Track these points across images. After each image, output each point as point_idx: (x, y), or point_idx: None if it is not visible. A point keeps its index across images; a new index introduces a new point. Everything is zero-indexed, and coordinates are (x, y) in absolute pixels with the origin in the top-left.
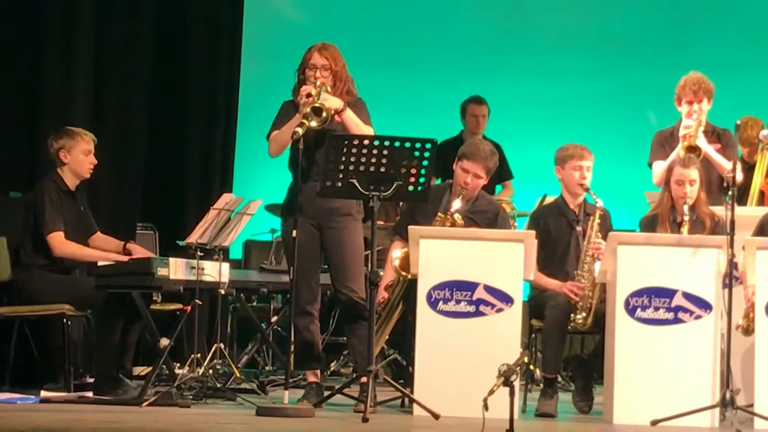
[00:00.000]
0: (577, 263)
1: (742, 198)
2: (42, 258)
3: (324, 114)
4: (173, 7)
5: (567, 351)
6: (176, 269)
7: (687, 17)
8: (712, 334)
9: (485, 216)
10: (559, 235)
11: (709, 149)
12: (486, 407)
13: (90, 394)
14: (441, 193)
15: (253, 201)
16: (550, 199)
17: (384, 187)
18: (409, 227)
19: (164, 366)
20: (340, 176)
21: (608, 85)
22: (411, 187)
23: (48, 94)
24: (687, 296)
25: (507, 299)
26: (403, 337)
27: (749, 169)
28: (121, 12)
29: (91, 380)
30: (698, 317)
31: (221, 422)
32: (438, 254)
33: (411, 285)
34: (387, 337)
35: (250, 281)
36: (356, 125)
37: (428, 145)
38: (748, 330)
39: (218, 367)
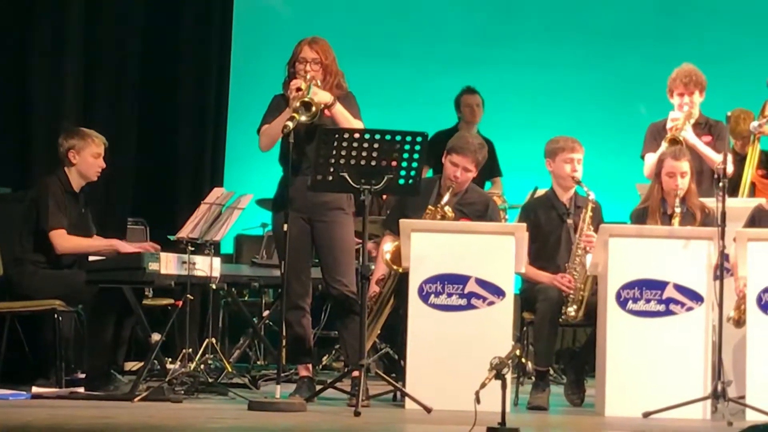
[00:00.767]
0: (568, 256)
1: (733, 190)
2: (40, 255)
3: (313, 108)
4: (163, 3)
5: (559, 344)
6: (167, 264)
7: (678, 8)
8: (704, 326)
9: (475, 208)
10: (549, 228)
11: (697, 141)
12: (478, 400)
13: (81, 389)
14: (431, 187)
15: (243, 195)
16: (540, 192)
17: (375, 181)
18: (401, 220)
19: (156, 361)
20: (331, 170)
21: (599, 77)
22: (402, 181)
23: (38, 88)
24: (678, 288)
25: (498, 292)
26: (395, 331)
27: (741, 160)
28: (112, 7)
29: (83, 376)
30: (689, 309)
31: (213, 417)
32: (429, 247)
33: (402, 279)
34: (379, 331)
35: (241, 276)
36: (346, 119)
37: (419, 139)
38: (740, 322)
39: (210, 362)
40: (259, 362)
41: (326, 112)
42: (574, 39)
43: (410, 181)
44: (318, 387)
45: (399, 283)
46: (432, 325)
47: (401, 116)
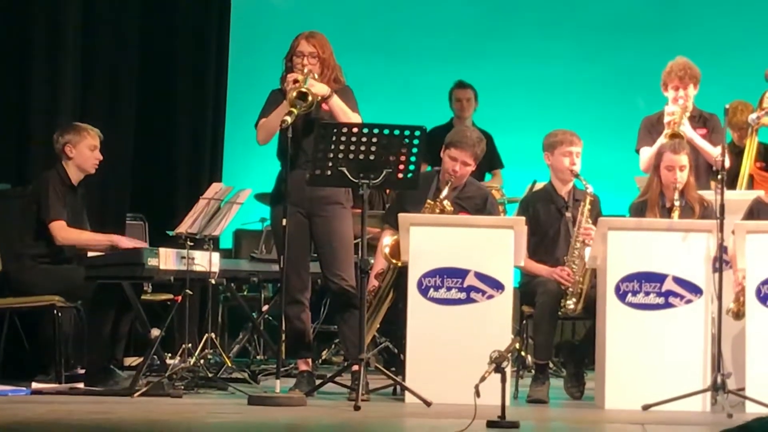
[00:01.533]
0: (567, 249)
1: (731, 182)
2: (40, 248)
3: (310, 98)
4: None
5: (558, 337)
6: (166, 259)
7: (675, 1)
8: (703, 319)
9: (474, 202)
10: (548, 222)
11: (694, 136)
12: (478, 394)
13: (81, 385)
14: (429, 181)
15: (242, 190)
16: (539, 186)
17: (373, 175)
18: (400, 214)
19: (155, 356)
20: (330, 164)
21: (597, 70)
22: (400, 175)
23: (36, 84)
24: (677, 281)
25: (498, 286)
26: (394, 325)
27: (739, 153)
28: (109, 2)
29: (82, 371)
30: (689, 302)
31: (213, 412)
32: (428, 241)
33: (401, 273)
34: (378, 325)
35: (240, 270)
36: (343, 112)
37: (417, 133)
38: (739, 314)
39: (209, 357)
40: (258, 357)
41: (324, 105)
42: (572, 32)
43: (409, 175)
44: (318, 381)
45: (398, 277)
46: (431, 319)
47: (398, 111)
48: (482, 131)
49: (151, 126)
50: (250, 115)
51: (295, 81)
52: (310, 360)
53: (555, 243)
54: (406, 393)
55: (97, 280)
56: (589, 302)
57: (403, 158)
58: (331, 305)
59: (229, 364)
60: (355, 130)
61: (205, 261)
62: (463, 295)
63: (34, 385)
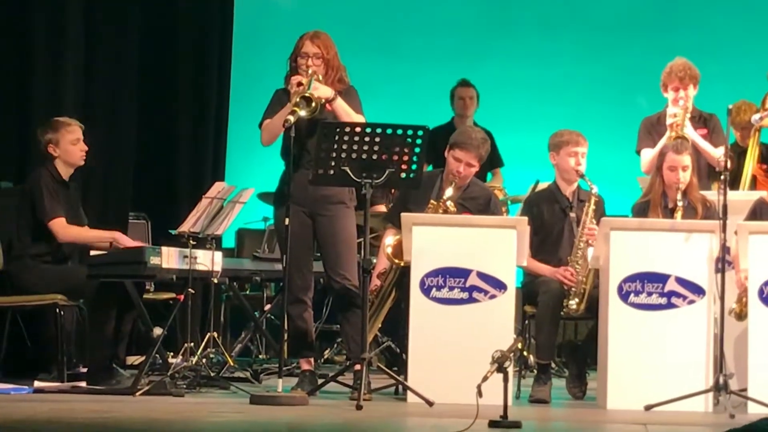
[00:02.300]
0: (570, 249)
1: (734, 183)
2: (39, 247)
3: (314, 103)
4: None
5: (560, 337)
6: (169, 258)
7: (676, 1)
8: (705, 319)
9: (477, 202)
10: (552, 222)
11: (697, 137)
12: (480, 394)
13: (83, 384)
14: (432, 181)
15: (245, 189)
16: (542, 185)
17: (376, 175)
18: (402, 214)
19: (157, 355)
20: (332, 164)
21: (598, 69)
22: (403, 174)
23: (38, 83)
24: (680, 281)
25: (500, 286)
26: (397, 325)
27: (741, 153)
28: (111, 2)
29: (84, 370)
30: (691, 302)
31: (215, 411)
32: (431, 241)
33: (404, 272)
34: (380, 325)
35: (243, 270)
36: (347, 114)
37: (420, 132)
38: (741, 315)
39: (212, 356)
40: (260, 356)
41: (328, 106)
42: (574, 31)
43: (411, 174)
44: (320, 381)
45: (400, 276)
46: (434, 318)
47: (402, 110)
48: (484, 130)
49: (154, 125)
50: (253, 114)
51: (300, 84)
52: (312, 359)
53: (558, 243)
54: (408, 393)
55: (100, 279)
56: (592, 302)
57: (405, 158)
58: (334, 304)
59: (231, 364)
60: (357, 129)
61: (208, 260)
62: (465, 295)
63: (37, 383)
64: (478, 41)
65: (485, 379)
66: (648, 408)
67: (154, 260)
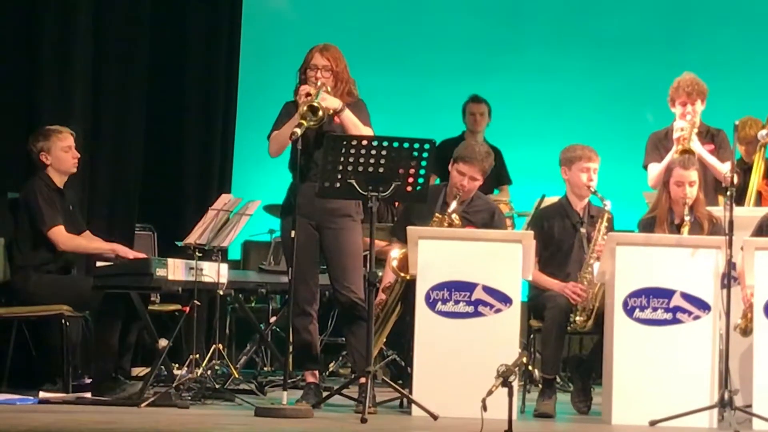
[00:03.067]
0: (579, 265)
1: (739, 198)
2: (40, 257)
3: (321, 113)
4: (172, 7)
5: (565, 351)
6: (175, 270)
7: (685, 16)
8: (711, 335)
9: (481, 216)
10: (563, 237)
11: (703, 152)
12: (485, 408)
13: (88, 394)
14: (436, 194)
15: (251, 201)
16: (548, 200)
17: (383, 188)
18: (408, 227)
19: (163, 367)
20: (339, 177)
21: (606, 84)
22: (409, 188)
23: (45, 94)
24: (685, 297)
25: (505, 300)
26: (402, 338)
27: (747, 169)
28: (119, 13)
29: (90, 381)
30: (697, 318)
31: (220, 423)
32: (437, 254)
33: (409, 286)
34: (385, 339)
35: (248, 282)
36: (355, 126)
37: (426, 146)
38: (746, 330)
39: (217, 367)
40: (265, 368)
41: (336, 118)
42: (581, 46)
43: (418, 187)
44: (325, 393)
45: (405, 290)
46: (439, 332)
47: (410, 123)
48: (491, 146)
49: (160, 136)
50: (260, 127)
51: (308, 94)
52: (317, 372)
53: (567, 258)
54: (413, 406)
55: (105, 290)
56: (597, 317)
57: (412, 171)
58: (339, 317)
59: (236, 375)
60: (364, 142)
61: (214, 272)
62: (470, 309)
63: (42, 394)
64: (487, 55)
65: (490, 393)
66: (653, 423)
67: (160, 272)
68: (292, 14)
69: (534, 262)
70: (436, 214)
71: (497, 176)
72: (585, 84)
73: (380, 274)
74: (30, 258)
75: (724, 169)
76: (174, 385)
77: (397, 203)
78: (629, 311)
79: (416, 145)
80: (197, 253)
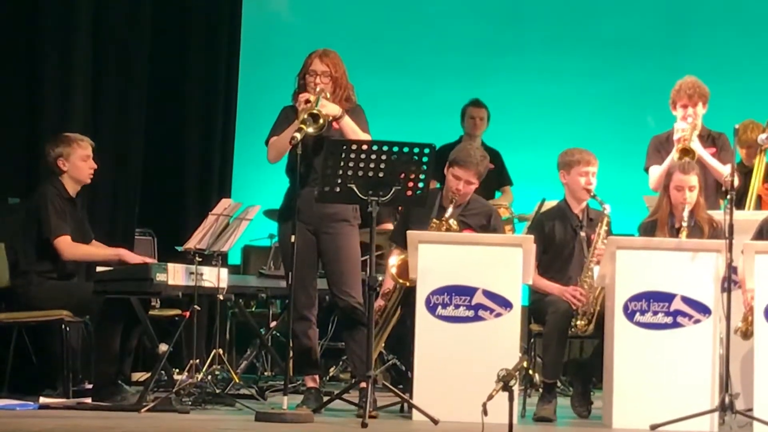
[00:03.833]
0: (579, 268)
1: (739, 202)
2: (44, 264)
3: (321, 120)
4: (171, 12)
5: (566, 355)
6: (175, 275)
7: (685, 19)
8: (711, 339)
9: (478, 219)
10: (563, 240)
11: (704, 153)
12: (485, 412)
13: (89, 400)
14: (432, 199)
15: (251, 206)
16: (549, 204)
17: (383, 192)
18: (408, 232)
19: (163, 372)
20: (339, 181)
21: (606, 87)
22: (410, 192)
23: (46, 99)
24: (686, 300)
25: (506, 304)
26: (402, 343)
27: (747, 173)
28: (119, 17)
29: (90, 386)
30: (697, 321)
31: (220, 428)
32: (437, 259)
33: (408, 291)
34: (383, 343)
35: (248, 287)
36: (354, 132)
37: (427, 150)
38: (747, 334)
39: (217, 372)
40: (266, 373)
41: (335, 124)
42: (582, 49)
43: (418, 192)
44: (325, 398)
45: (404, 296)
46: (439, 336)
47: (409, 127)
48: (491, 149)
49: (160, 141)
50: (259, 131)
51: (307, 101)
52: (317, 377)
53: (568, 262)
54: (414, 410)
55: (106, 295)
56: (598, 320)
57: (412, 175)
58: (339, 322)
59: (237, 380)
60: (364, 147)
61: (214, 277)
62: (471, 313)
63: (42, 399)
64: (486, 59)
65: (490, 397)
66: (653, 427)
67: (160, 277)
68: (291, 19)
69: (534, 267)
70: (434, 220)
71: (498, 178)
72: (586, 87)
73: (380, 278)
74: (34, 264)
75: (724, 170)
76: (174, 390)
77: (401, 208)
78: (630, 315)
79: (416, 150)
80: (197, 258)
